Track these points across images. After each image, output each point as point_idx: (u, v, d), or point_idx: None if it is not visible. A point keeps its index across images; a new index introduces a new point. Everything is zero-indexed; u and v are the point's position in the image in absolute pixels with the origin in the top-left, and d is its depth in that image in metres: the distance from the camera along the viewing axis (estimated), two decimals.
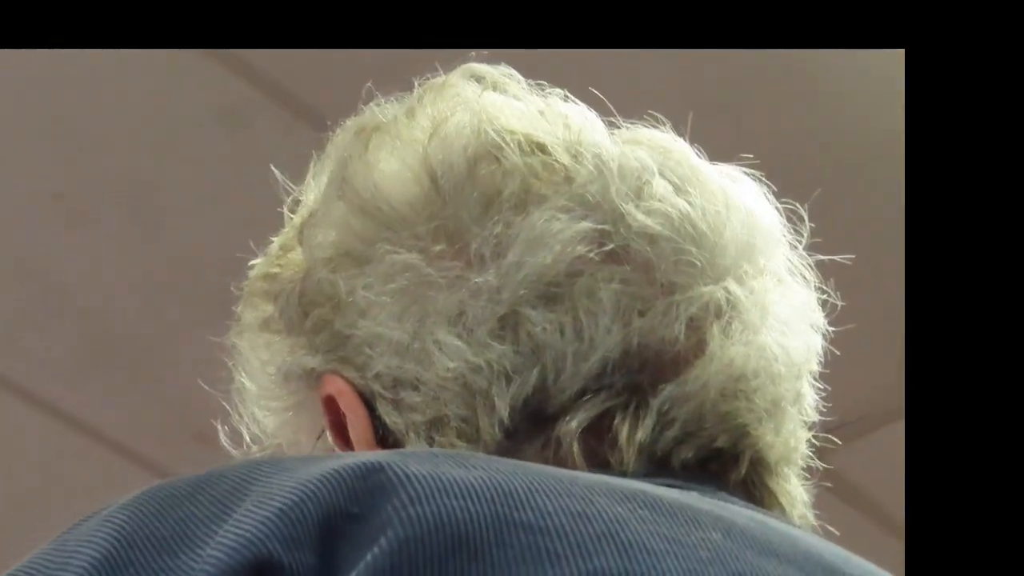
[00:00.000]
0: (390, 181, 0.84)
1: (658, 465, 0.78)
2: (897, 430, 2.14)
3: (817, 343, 0.85)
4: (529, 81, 0.88)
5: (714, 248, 0.82)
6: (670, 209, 0.82)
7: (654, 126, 0.87)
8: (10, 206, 2.04)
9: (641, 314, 0.79)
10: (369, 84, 0.90)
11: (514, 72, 0.88)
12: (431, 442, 0.79)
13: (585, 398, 0.78)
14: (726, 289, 0.81)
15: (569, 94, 0.89)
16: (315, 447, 0.86)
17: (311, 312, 0.84)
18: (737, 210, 0.84)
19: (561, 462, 0.77)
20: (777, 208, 0.87)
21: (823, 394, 0.85)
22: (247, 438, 0.90)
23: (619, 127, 0.87)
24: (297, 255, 0.87)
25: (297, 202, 0.91)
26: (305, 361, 0.84)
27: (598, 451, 0.78)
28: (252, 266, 0.91)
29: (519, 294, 0.79)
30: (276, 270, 0.88)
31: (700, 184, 0.84)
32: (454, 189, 0.82)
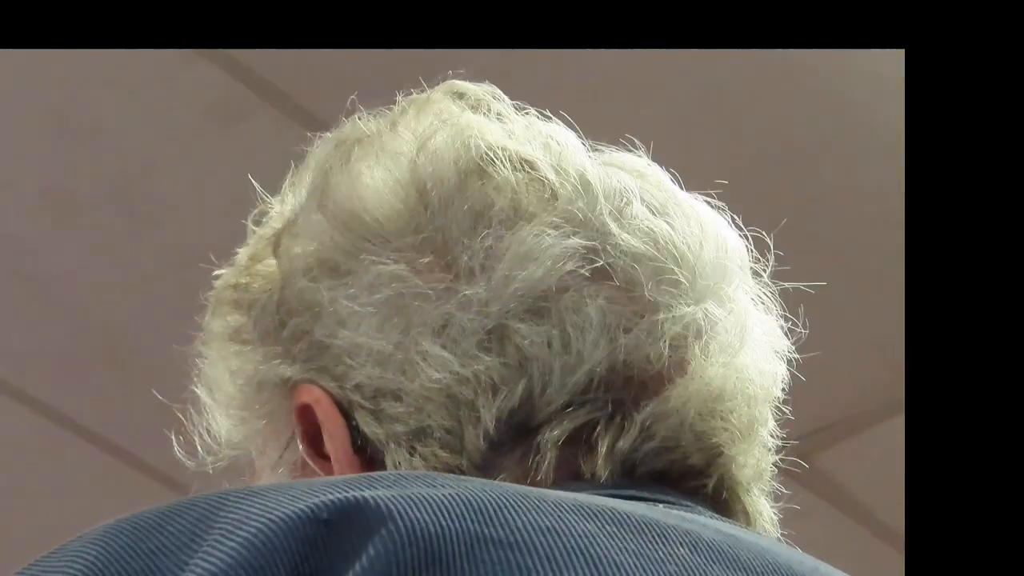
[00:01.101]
0: (374, 193, 0.83)
1: (630, 478, 0.79)
2: (895, 427, 2.14)
3: (782, 370, 0.86)
4: (516, 103, 0.88)
5: (694, 269, 0.82)
6: (653, 229, 0.82)
7: (629, 150, 0.87)
8: None
9: (626, 331, 0.80)
10: (353, 96, 0.90)
11: (497, 90, 0.88)
12: (412, 452, 0.79)
13: (569, 410, 0.79)
14: (706, 310, 0.82)
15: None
16: (282, 457, 0.85)
17: (289, 321, 0.84)
18: (711, 234, 0.84)
19: (536, 470, 0.78)
20: (745, 236, 0.87)
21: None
22: (201, 448, 0.90)
23: (599, 150, 0.87)
24: (269, 265, 0.87)
25: (264, 213, 0.91)
26: (281, 370, 0.84)
27: (572, 461, 0.79)
28: (217, 276, 0.90)
29: (508, 307, 0.79)
30: (246, 280, 0.88)
31: (677, 207, 0.85)
32: (443, 202, 0.82)
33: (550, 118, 0.87)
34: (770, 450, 0.85)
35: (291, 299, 0.84)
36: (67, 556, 0.65)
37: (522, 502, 0.66)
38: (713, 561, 0.69)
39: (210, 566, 0.62)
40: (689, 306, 0.81)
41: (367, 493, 0.64)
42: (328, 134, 0.89)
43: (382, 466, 0.80)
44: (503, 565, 0.63)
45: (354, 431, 0.81)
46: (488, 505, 0.65)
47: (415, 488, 0.65)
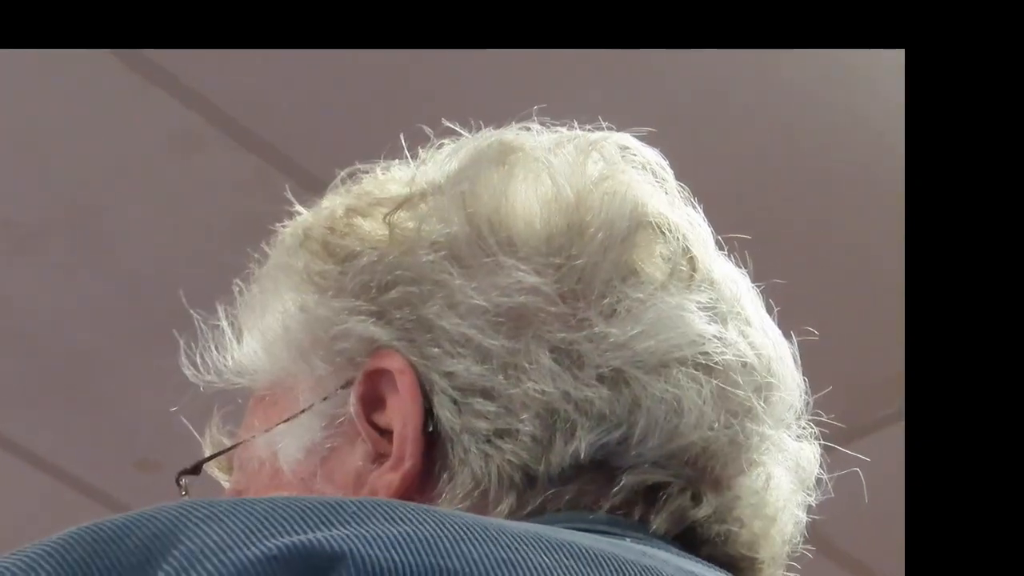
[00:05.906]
0: (527, 206, 0.85)
1: (691, 546, 0.81)
2: (894, 435, 2.14)
3: (802, 512, 0.89)
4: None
5: (782, 399, 0.86)
6: (762, 345, 0.86)
7: (729, 260, 0.90)
8: None
9: (726, 427, 0.83)
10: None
11: (662, 159, 0.90)
12: (489, 444, 0.80)
13: (656, 466, 0.81)
14: (780, 439, 0.86)
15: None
16: (314, 407, 0.85)
17: (398, 286, 0.84)
18: (790, 368, 0.88)
19: (599, 505, 0.80)
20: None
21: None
22: (212, 366, 0.90)
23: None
24: (373, 225, 0.87)
25: (353, 173, 0.91)
26: (372, 329, 0.84)
27: (633, 512, 0.81)
28: (297, 213, 0.90)
29: (638, 359, 0.82)
30: (344, 228, 0.88)
31: (768, 331, 0.88)
32: (604, 244, 0.84)
33: (690, 203, 0.90)
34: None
35: (409, 268, 0.84)
36: (22, 567, 0.64)
37: (481, 533, 0.67)
38: None
39: None
40: (771, 429, 0.85)
41: (321, 535, 0.64)
42: (489, 129, 0.90)
43: (445, 453, 0.81)
44: None
45: (426, 413, 0.82)
46: (444, 538, 0.66)
47: (372, 526, 0.66)
